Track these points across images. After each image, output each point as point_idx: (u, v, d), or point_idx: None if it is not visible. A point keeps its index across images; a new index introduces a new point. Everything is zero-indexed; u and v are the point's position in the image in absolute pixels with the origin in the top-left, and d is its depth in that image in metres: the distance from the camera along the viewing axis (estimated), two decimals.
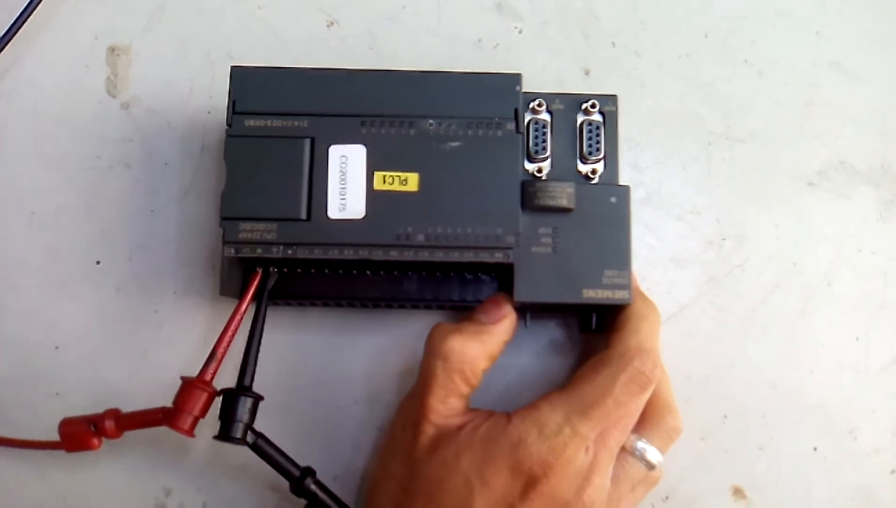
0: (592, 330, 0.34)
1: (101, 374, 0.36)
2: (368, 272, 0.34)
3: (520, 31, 0.39)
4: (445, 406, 0.30)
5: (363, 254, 0.31)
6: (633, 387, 0.29)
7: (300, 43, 0.39)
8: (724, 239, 0.37)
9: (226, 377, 0.32)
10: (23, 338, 0.36)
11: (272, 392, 0.33)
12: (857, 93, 0.39)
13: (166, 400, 0.32)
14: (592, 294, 0.31)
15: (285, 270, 0.34)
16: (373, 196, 0.31)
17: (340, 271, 0.34)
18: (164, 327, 0.36)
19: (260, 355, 0.32)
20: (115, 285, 0.36)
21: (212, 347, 0.32)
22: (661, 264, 0.37)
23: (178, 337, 0.36)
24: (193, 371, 0.32)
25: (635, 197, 0.34)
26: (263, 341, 0.33)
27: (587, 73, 0.39)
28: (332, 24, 0.39)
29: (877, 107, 0.39)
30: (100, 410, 0.33)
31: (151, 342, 0.36)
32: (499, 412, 0.31)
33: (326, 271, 0.34)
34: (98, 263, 0.37)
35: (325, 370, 0.36)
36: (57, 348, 0.36)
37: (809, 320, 0.37)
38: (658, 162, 0.38)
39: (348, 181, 0.31)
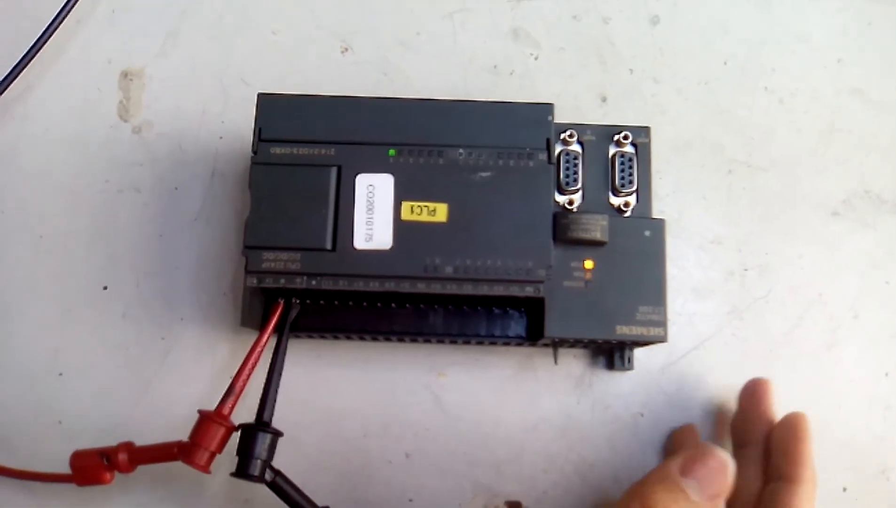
0: (623, 367, 0.34)
1: (105, 402, 0.35)
2: (394, 305, 0.33)
3: (536, 58, 0.39)
4: None
5: (390, 286, 0.30)
6: None
7: (314, 69, 0.38)
8: (746, 269, 0.36)
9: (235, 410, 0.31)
10: (26, 364, 0.35)
11: (285, 426, 0.31)
12: (880, 120, 0.38)
13: (169, 430, 0.31)
14: (626, 331, 0.31)
15: (308, 301, 0.33)
16: (400, 227, 0.30)
17: (364, 304, 0.33)
18: (171, 354, 0.35)
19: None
20: (122, 311, 0.36)
21: (228, 378, 0.31)
22: (682, 294, 0.36)
23: (184, 365, 0.35)
24: (198, 400, 0.31)
25: None
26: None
27: (604, 99, 0.38)
28: (346, 49, 0.39)
29: None
30: (101, 439, 0.32)
31: (157, 370, 0.35)
32: None
33: (350, 303, 0.33)
34: (105, 288, 0.36)
35: (342, 404, 0.35)
36: (61, 374, 0.35)
37: (836, 353, 0.36)
38: (678, 190, 0.37)
39: (375, 211, 0.30)
